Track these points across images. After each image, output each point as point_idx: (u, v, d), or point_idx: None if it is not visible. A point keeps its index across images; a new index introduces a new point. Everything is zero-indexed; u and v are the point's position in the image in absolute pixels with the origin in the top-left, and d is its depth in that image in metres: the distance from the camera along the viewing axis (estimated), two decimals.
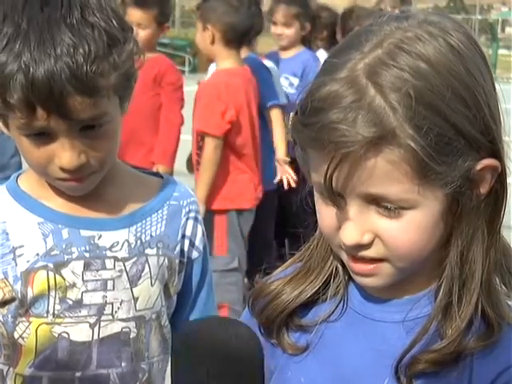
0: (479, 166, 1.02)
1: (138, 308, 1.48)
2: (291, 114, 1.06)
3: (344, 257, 1.09)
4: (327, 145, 0.98)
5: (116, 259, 1.46)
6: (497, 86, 1.06)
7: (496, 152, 1.04)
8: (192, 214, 1.57)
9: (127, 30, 1.38)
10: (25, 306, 1.43)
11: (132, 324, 1.48)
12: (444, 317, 1.06)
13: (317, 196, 1.08)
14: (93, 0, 1.33)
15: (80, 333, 1.44)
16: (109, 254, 1.46)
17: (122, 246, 1.47)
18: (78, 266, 1.44)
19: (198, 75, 8.78)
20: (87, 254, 1.45)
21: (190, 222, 1.57)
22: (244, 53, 4.27)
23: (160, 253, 1.51)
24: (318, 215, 1.10)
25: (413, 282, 1.10)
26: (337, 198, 1.03)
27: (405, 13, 1.06)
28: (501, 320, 1.06)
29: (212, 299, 1.66)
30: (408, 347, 1.05)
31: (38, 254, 1.43)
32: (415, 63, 0.98)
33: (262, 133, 4.24)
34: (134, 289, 1.48)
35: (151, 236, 1.50)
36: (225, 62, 3.98)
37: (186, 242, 1.56)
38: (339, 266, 1.15)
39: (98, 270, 1.45)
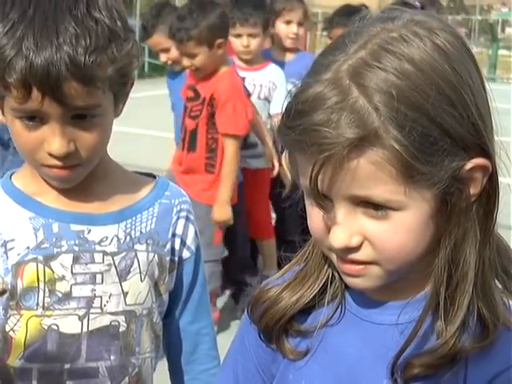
0: (469, 166, 1.01)
1: (127, 302, 1.50)
2: (279, 117, 1.07)
3: (334, 258, 1.09)
4: (310, 147, 0.98)
5: (105, 253, 1.49)
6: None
7: (486, 151, 1.03)
8: (183, 214, 1.59)
9: (129, 31, 1.42)
10: (15, 299, 1.45)
11: (121, 318, 1.50)
12: (436, 319, 1.05)
13: (306, 199, 1.09)
14: None
15: (69, 325, 1.46)
16: (98, 248, 1.48)
17: (112, 240, 1.50)
18: (67, 259, 1.46)
19: None
20: (76, 248, 1.47)
21: (182, 221, 1.58)
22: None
23: (150, 249, 1.53)
24: (308, 218, 1.10)
25: (409, 284, 1.10)
26: (324, 201, 1.03)
27: (391, 13, 1.05)
28: (496, 321, 1.06)
29: (205, 300, 1.67)
30: (400, 350, 1.05)
31: (28, 247, 1.46)
32: (399, 63, 0.98)
33: None
34: (123, 283, 1.50)
35: (141, 232, 1.53)
36: None
37: (177, 241, 1.58)
38: (335, 270, 1.15)
39: (86, 264, 1.47)
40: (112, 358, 1.50)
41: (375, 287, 1.09)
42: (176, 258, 1.59)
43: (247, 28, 4.62)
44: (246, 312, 1.23)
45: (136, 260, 1.51)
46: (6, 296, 1.45)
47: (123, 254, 1.50)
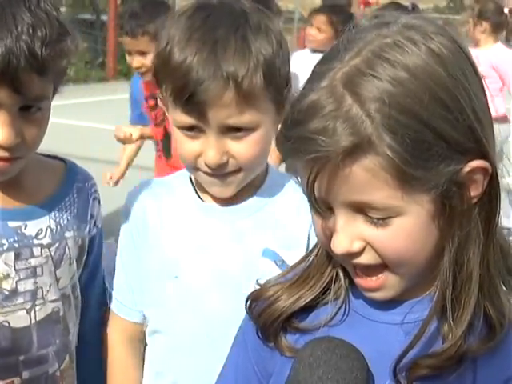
0: (467, 169, 1.01)
1: (59, 287, 1.59)
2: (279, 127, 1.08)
3: (349, 268, 1.10)
4: (305, 155, 0.99)
5: (42, 246, 1.55)
6: None
7: (485, 153, 1.02)
8: (95, 195, 1.69)
9: (72, 27, 1.49)
10: None
11: (59, 303, 1.59)
12: (442, 320, 1.04)
13: (310, 207, 1.09)
14: None
15: (19, 319, 1.53)
16: (35, 242, 1.55)
17: (46, 232, 1.56)
18: (9, 256, 1.51)
19: None
20: (16, 245, 1.52)
21: (95, 203, 1.68)
22: None
23: (75, 234, 1.62)
24: (312, 224, 1.11)
25: (414, 285, 1.09)
26: (322, 207, 1.04)
27: (386, 18, 1.05)
28: (503, 319, 1.05)
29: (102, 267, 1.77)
30: (405, 350, 1.04)
31: None
32: (393, 71, 0.98)
33: None
34: (56, 271, 1.58)
35: (68, 220, 1.60)
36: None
37: (92, 222, 1.68)
38: (340, 271, 1.15)
39: (27, 259, 1.53)
40: (57, 341, 1.59)
41: (395, 295, 1.09)
42: (90, 237, 1.68)
43: None
44: (245, 308, 1.23)
45: (67, 248, 1.60)
46: None
47: (57, 244, 1.58)
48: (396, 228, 1.01)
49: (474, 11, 5.98)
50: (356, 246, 1.03)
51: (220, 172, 1.51)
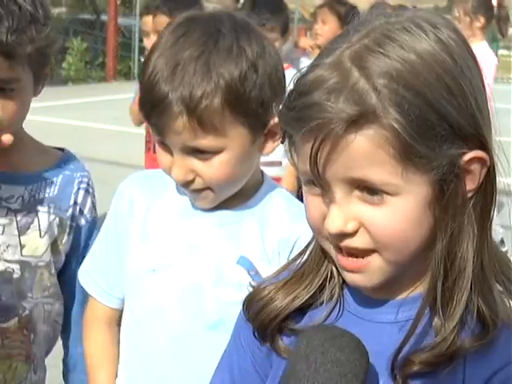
0: (467, 157, 1.01)
1: (23, 254, 1.72)
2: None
3: (333, 253, 1.08)
4: (309, 123, 0.99)
5: (9, 209, 1.70)
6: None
7: (484, 144, 1.03)
8: (83, 185, 1.81)
9: (49, 18, 1.63)
10: None
11: (16, 266, 1.71)
12: (434, 315, 1.04)
13: (304, 188, 1.09)
14: None
15: None
16: (4, 204, 1.69)
17: (17, 200, 1.71)
18: None
19: None
20: None
21: (81, 192, 1.81)
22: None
23: (51, 211, 1.75)
24: (305, 209, 1.10)
25: (406, 281, 1.09)
26: (321, 183, 1.03)
27: (394, 10, 1.08)
28: (496, 318, 1.04)
29: None
30: (398, 347, 1.04)
31: None
32: (401, 51, 1.00)
33: None
34: (21, 237, 1.71)
35: (44, 197, 1.74)
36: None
37: (77, 209, 1.80)
38: (334, 269, 1.14)
39: None
40: (3, 298, 1.71)
41: (375, 285, 1.08)
42: (74, 224, 1.81)
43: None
44: (241, 310, 1.23)
45: (36, 219, 1.73)
46: None
47: (25, 212, 1.72)
48: (392, 208, 1.01)
49: (468, 7, 5.74)
50: (350, 227, 1.03)
51: (187, 188, 1.52)
